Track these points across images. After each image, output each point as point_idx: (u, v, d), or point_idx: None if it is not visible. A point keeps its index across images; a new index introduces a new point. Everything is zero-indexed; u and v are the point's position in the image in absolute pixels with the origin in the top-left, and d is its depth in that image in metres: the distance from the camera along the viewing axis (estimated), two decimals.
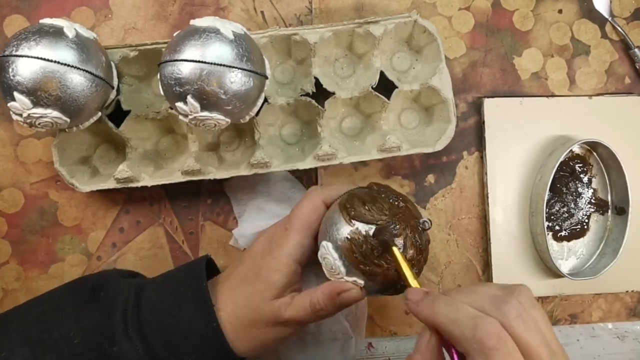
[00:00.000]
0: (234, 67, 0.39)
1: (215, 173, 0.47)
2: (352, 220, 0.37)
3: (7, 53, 0.38)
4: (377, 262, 0.36)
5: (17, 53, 0.38)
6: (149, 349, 0.35)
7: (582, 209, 0.55)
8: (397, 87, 0.49)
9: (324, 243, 0.37)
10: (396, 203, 0.38)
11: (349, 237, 0.36)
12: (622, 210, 0.53)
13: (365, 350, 0.52)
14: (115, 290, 0.38)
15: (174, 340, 0.35)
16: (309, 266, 0.41)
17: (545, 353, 0.28)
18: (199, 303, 0.37)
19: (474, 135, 0.54)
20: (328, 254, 0.37)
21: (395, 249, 0.36)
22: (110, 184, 0.47)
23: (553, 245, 0.54)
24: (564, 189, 0.54)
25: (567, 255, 0.55)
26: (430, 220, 0.38)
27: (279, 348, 0.50)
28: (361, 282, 0.37)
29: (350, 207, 0.37)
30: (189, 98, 0.39)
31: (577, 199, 0.55)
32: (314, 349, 0.49)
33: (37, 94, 0.38)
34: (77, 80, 0.39)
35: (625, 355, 0.55)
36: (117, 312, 0.36)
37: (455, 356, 0.30)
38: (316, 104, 0.48)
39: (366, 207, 0.37)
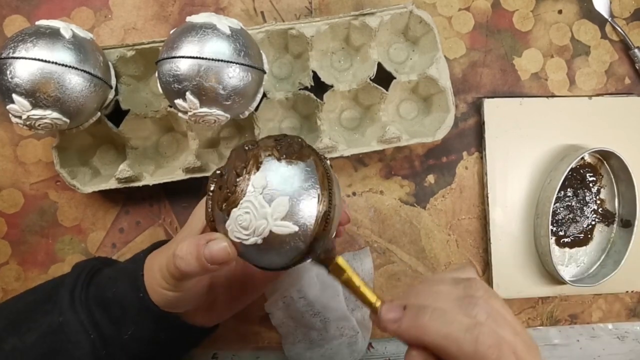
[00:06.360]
0: (231, 62, 0.39)
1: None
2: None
3: (4, 55, 0.38)
4: None
5: (15, 55, 0.38)
6: (94, 321, 0.36)
7: (588, 217, 0.55)
8: (394, 78, 0.49)
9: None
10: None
11: None
12: (627, 223, 0.53)
13: (365, 350, 0.52)
14: (74, 270, 0.39)
15: (114, 313, 0.36)
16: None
17: (519, 342, 0.28)
18: (131, 276, 0.37)
19: (473, 136, 0.54)
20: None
21: (340, 259, 0.33)
22: (112, 184, 0.47)
23: (555, 250, 0.54)
24: (572, 195, 0.54)
25: (568, 261, 0.54)
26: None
27: (284, 346, 0.50)
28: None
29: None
30: (188, 94, 0.39)
31: (584, 207, 0.55)
32: (320, 346, 0.49)
33: (36, 95, 0.38)
34: (76, 81, 0.39)
35: (625, 355, 0.55)
36: (65, 286, 0.37)
37: None
38: (315, 98, 0.48)
39: None
